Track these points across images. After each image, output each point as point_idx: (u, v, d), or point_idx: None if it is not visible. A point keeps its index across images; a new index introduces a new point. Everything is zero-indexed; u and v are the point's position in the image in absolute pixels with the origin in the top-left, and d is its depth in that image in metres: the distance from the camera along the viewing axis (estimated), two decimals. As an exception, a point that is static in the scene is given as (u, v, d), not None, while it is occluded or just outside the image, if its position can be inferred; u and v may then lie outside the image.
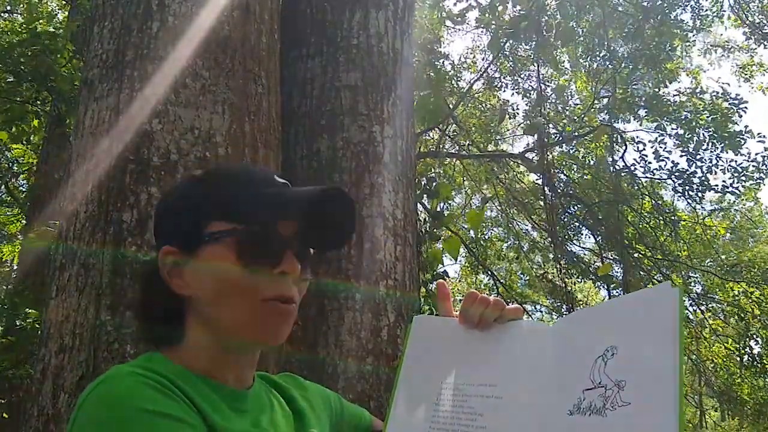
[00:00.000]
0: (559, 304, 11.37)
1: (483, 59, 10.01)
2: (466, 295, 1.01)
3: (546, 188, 7.22)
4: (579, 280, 9.83)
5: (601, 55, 9.21)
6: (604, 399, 0.80)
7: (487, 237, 11.43)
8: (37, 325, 4.04)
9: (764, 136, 8.41)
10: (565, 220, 8.88)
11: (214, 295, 0.85)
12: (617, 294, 8.88)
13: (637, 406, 0.77)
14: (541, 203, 9.29)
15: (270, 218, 0.87)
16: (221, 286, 0.85)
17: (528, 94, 9.62)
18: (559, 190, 8.27)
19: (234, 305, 0.85)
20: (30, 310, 4.26)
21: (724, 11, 9.62)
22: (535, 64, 8.54)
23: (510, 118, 10.13)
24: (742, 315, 9.44)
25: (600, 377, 0.82)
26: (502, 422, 0.88)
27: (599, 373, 0.83)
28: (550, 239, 9.48)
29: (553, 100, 9.53)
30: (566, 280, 8.51)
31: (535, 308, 12.81)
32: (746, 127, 8.32)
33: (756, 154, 8.54)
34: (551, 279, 9.48)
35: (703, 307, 9.89)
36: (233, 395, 0.87)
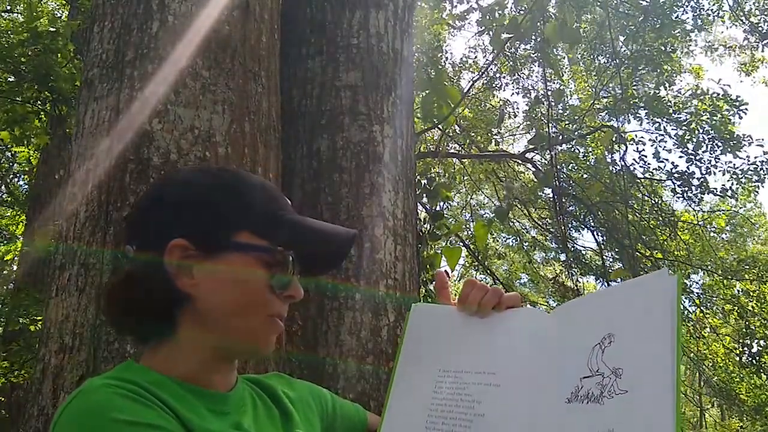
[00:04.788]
0: (557, 304, 11.35)
1: (484, 58, 10.01)
2: (465, 283, 1.03)
3: (552, 193, 7.22)
4: (592, 277, 9.79)
5: (601, 54, 9.22)
6: (601, 387, 0.80)
7: (489, 241, 11.44)
8: (39, 325, 4.04)
9: (763, 140, 8.44)
10: (566, 216, 8.88)
11: (231, 303, 0.86)
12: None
13: (633, 394, 0.77)
14: (541, 201, 9.30)
15: (297, 245, 0.90)
16: (241, 296, 0.86)
17: (528, 94, 9.62)
18: (564, 189, 8.27)
19: (248, 316, 0.87)
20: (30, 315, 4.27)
21: (725, 11, 9.62)
22: (537, 64, 8.56)
23: (510, 118, 10.13)
24: (742, 313, 9.44)
25: (598, 365, 0.82)
26: (501, 409, 0.88)
27: (597, 360, 0.83)
28: (554, 238, 9.48)
29: (552, 103, 9.53)
30: (577, 281, 8.49)
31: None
32: (745, 134, 8.37)
33: (755, 157, 8.58)
34: (562, 282, 9.45)
35: (702, 306, 9.89)
36: (213, 398, 0.87)
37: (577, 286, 8.49)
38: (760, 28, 9.27)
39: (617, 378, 0.79)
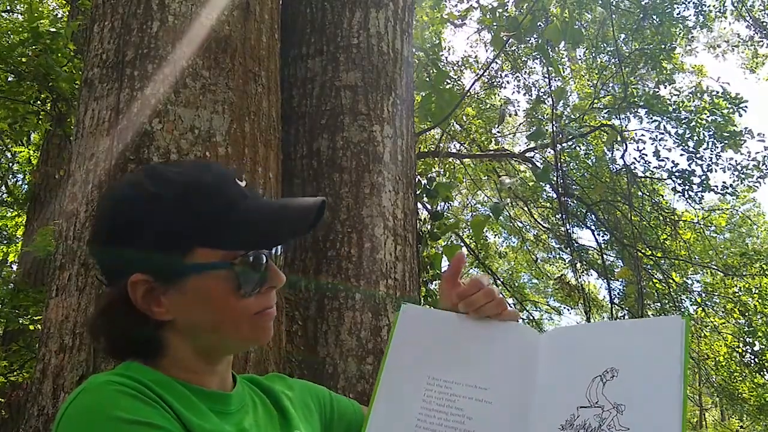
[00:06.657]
0: (558, 305, 11.35)
1: (486, 57, 10.00)
2: (473, 280, 0.99)
3: (555, 191, 7.20)
4: (593, 276, 9.76)
5: (602, 53, 9.21)
6: (600, 420, 0.79)
7: (490, 240, 11.44)
8: (39, 325, 4.05)
9: (764, 135, 8.41)
10: (568, 215, 8.86)
11: (208, 322, 0.85)
12: (617, 290, 8.91)
13: None
14: (542, 200, 9.30)
15: (260, 244, 0.85)
16: (215, 314, 0.84)
17: (529, 92, 9.61)
18: (567, 188, 8.26)
19: (230, 326, 0.85)
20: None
21: (727, 7, 9.59)
22: (538, 62, 8.55)
23: (510, 116, 10.12)
24: (744, 311, 9.42)
25: (597, 397, 0.82)
26: (492, 429, 0.86)
27: (597, 392, 0.82)
28: (555, 237, 9.47)
29: (552, 103, 9.52)
30: (580, 279, 8.47)
31: (536, 308, 12.80)
32: (746, 128, 8.32)
33: (756, 152, 8.54)
34: (567, 281, 9.42)
35: (704, 304, 9.88)
36: (214, 397, 0.87)
37: (580, 284, 8.48)
38: (763, 23, 9.25)
39: (618, 414, 0.78)
